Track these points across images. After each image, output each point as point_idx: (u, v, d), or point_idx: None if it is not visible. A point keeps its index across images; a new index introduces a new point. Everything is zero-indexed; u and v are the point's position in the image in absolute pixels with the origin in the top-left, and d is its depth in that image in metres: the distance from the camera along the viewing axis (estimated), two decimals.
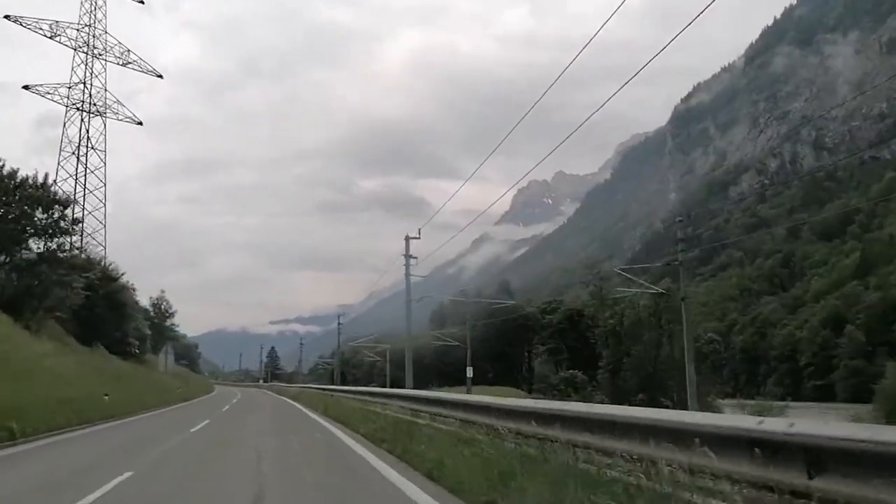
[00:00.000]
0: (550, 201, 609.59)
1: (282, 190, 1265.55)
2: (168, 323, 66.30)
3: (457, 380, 72.62)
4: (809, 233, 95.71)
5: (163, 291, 66.25)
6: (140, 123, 61.11)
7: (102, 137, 57.99)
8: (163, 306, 65.80)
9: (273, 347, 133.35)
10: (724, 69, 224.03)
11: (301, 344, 69.61)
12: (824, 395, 56.91)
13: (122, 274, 43.30)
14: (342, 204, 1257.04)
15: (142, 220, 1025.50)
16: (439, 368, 75.11)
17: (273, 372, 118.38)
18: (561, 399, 39.83)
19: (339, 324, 44.24)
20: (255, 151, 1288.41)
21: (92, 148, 57.29)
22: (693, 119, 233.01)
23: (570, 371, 62.14)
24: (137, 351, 45.23)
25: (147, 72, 60.61)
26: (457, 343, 58.72)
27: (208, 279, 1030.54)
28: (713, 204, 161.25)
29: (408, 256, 29.96)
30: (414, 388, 31.25)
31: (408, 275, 30.47)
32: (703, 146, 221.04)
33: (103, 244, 54.54)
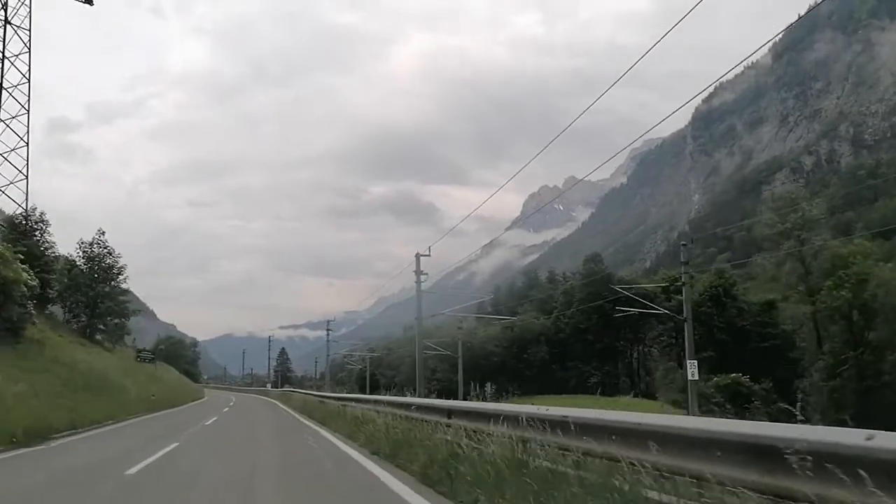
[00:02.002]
0: (562, 207, 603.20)
1: (291, 194, 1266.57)
2: (113, 285, 43.90)
3: (546, 385, 57.50)
4: (865, 231, 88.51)
5: (101, 231, 44.11)
6: (89, 2, 42.70)
7: (26, 10, 38.66)
8: (106, 261, 43.26)
9: (283, 349, 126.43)
10: (748, 67, 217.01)
11: (328, 330, 54.77)
12: None
13: None
14: (351, 209, 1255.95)
15: (151, 225, 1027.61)
16: (517, 371, 61.52)
17: (285, 375, 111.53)
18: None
19: (418, 274, 23.61)
20: (265, 156, 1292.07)
21: (6, 23, 38.28)
22: (715, 119, 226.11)
23: (730, 376, 44.75)
24: None
25: None
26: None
27: (217, 284, 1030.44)
28: (744, 204, 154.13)
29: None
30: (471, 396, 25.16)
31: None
32: (727, 146, 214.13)
33: (24, 172, 37.52)
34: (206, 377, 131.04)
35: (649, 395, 55.57)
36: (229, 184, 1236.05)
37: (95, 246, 43.69)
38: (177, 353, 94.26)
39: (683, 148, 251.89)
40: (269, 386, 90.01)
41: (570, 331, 63.45)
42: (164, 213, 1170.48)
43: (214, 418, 25.09)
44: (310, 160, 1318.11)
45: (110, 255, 44.14)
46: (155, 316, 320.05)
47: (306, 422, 23.37)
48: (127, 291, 46.60)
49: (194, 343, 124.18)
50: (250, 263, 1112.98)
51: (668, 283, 55.08)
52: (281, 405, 41.33)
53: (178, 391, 43.45)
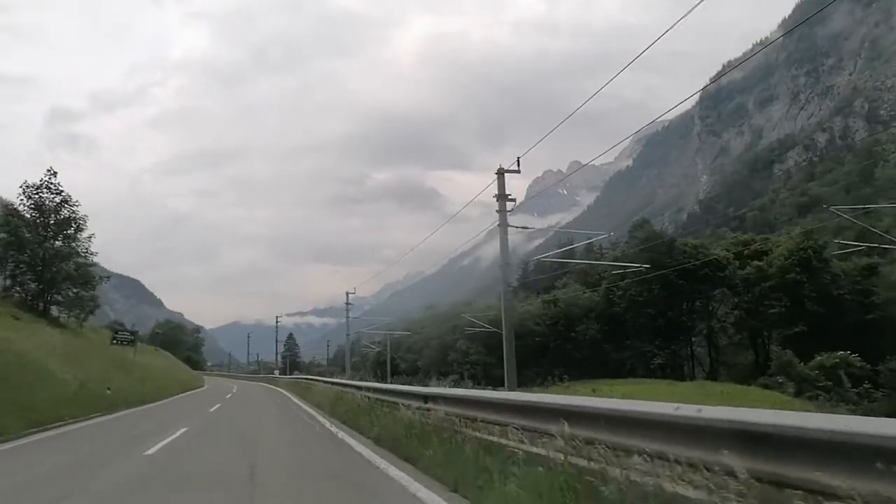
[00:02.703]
0: (565, 191, 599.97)
1: (294, 182, 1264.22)
2: (70, 245, 34.34)
3: (598, 369, 50.33)
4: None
5: (52, 171, 33.57)
6: None
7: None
8: (61, 212, 33.56)
9: (291, 334, 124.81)
10: (757, 44, 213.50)
11: (347, 304, 48.99)
12: None
13: None
14: (354, 195, 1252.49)
15: (155, 214, 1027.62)
16: (563, 352, 54.62)
17: (293, 361, 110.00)
18: None
19: (501, 198, 17.60)
20: (267, 143, 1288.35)
21: None
22: (723, 99, 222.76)
23: (836, 354, 38.03)
24: None
25: None
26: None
27: (223, 272, 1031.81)
28: (756, 184, 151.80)
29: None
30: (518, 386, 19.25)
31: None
32: (736, 126, 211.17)
33: None
34: (210, 364, 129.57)
35: (714, 377, 50.22)
36: (232, 172, 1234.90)
37: (45, 190, 33.26)
38: (177, 339, 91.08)
39: (690, 129, 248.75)
40: (276, 373, 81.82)
41: (625, 304, 55.02)
42: (167, 202, 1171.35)
43: (183, 429, 14.74)
44: (312, 147, 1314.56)
45: (66, 203, 33.79)
46: (162, 304, 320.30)
47: (376, 458, 9.60)
48: (89, 252, 36.25)
49: (197, 329, 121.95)
50: (255, 252, 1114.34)
51: (741, 248, 45.72)
52: (295, 399, 31.52)
53: (160, 381, 35.29)
